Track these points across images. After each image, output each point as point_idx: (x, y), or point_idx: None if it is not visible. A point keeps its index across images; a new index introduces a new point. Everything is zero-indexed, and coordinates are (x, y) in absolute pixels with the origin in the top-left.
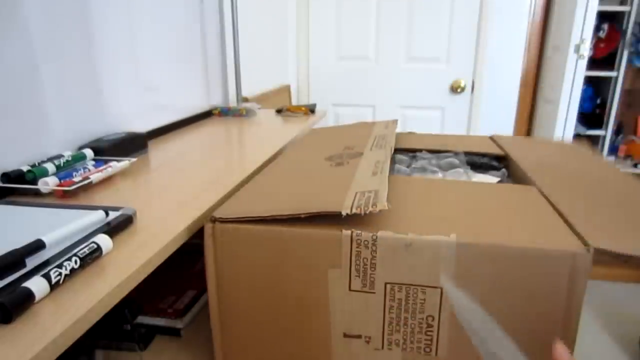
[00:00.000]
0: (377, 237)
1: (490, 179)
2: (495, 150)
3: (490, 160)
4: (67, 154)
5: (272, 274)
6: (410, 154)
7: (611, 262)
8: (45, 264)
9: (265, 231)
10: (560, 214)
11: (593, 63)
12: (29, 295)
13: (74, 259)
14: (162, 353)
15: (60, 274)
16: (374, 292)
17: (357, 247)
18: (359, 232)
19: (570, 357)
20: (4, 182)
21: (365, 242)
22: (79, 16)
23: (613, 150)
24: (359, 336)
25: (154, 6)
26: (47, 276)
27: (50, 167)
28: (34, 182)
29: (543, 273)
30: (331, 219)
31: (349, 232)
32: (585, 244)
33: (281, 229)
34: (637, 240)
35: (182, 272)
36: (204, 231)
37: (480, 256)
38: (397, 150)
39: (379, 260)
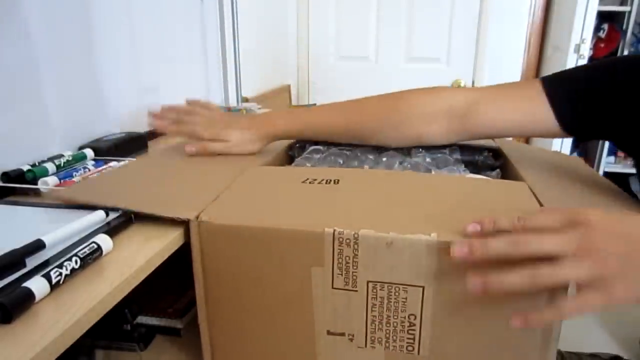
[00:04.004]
0: (358, 235)
1: (483, 178)
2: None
3: (487, 159)
4: (67, 154)
5: (257, 271)
6: (405, 150)
7: None
8: (46, 264)
9: (249, 229)
10: None
11: None
12: (29, 295)
13: (74, 259)
14: (162, 353)
15: (60, 274)
16: (356, 290)
17: (339, 246)
18: (340, 230)
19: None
20: (4, 182)
21: (347, 241)
22: (79, 15)
23: (613, 150)
24: (343, 334)
25: (154, 6)
26: (47, 276)
27: (50, 166)
28: (34, 182)
29: None
30: (314, 216)
31: (331, 230)
32: None
33: (265, 228)
34: None
35: (182, 272)
36: (190, 229)
37: None
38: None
39: (360, 258)
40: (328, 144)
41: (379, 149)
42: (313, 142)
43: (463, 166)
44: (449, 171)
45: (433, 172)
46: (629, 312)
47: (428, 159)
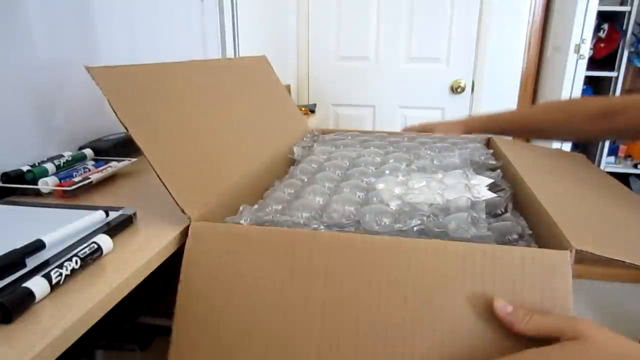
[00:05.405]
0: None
1: (484, 180)
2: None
3: (487, 158)
4: (67, 154)
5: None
6: (412, 153)
7: (611, 262)
8: (46, 264)
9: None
10: (547, 214)
11: (593, 63)
12: (29, 295)
13: (74, 259)
14: (162, 353)
15: (60, 274)
16: None
17: None
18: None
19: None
20: (4, 182)
21: None
22: (80, 14)
23: (613, 150)
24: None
25: (155, 6)
26: (47, 276)
27: (50, 167)
28: (34, 182)
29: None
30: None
31: None
32: (568, 245)
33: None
34: (619, 244)
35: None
36: (189, 231)
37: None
38: (394, 144)
39: None
40: (336, 143)
41: (387, 151)
42: (320, 143)
43: (472, 169)
44: (455, 174)
45: (439, 175)
46: (629, 312)
47: (436, 162)
